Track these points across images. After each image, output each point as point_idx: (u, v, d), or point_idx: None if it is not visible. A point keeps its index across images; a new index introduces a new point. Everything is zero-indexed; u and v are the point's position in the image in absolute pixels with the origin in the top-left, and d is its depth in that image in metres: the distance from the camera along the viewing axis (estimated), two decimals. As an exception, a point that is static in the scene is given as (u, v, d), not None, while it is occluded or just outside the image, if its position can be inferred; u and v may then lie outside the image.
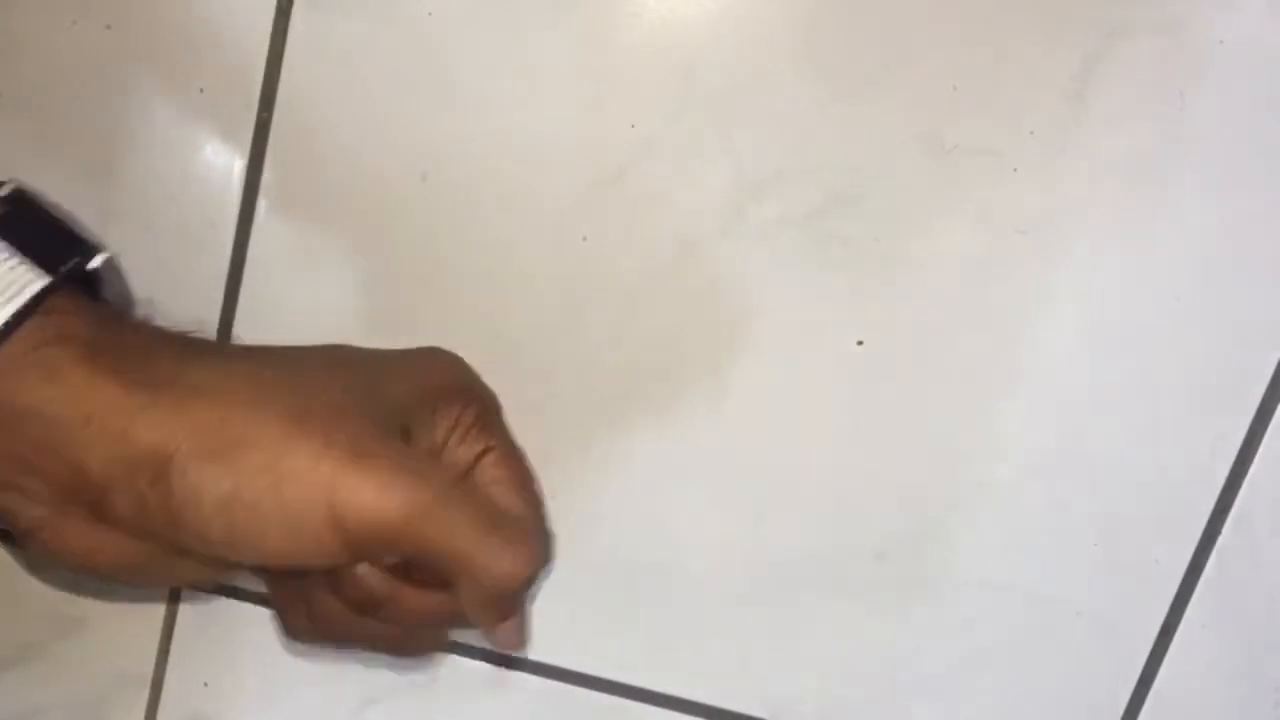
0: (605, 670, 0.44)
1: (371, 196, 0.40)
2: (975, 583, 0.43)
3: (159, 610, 0.44)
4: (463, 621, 0.32)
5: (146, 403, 0.28)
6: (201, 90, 0.39)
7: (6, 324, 0.28)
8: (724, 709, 0.44)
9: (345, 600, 0.32)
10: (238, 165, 0.39)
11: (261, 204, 0.40)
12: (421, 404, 0.33)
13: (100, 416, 0.28)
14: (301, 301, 0.40)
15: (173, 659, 0.44)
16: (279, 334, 0.40)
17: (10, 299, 0.28)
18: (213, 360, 0.30)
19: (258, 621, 0.44)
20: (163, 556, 0.30)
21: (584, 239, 0.40)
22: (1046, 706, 0.45)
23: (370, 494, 0.29)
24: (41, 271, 0.29)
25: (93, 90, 0.39)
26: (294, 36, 0.38)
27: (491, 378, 0.41)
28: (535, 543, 0.32)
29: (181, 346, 0.31)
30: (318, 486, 0.29)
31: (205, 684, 0.44)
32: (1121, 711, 0.44)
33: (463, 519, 0.30)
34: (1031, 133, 0.39)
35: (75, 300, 0.30)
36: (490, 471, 0.34)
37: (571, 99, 0.39)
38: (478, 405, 0.35)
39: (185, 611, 0.44)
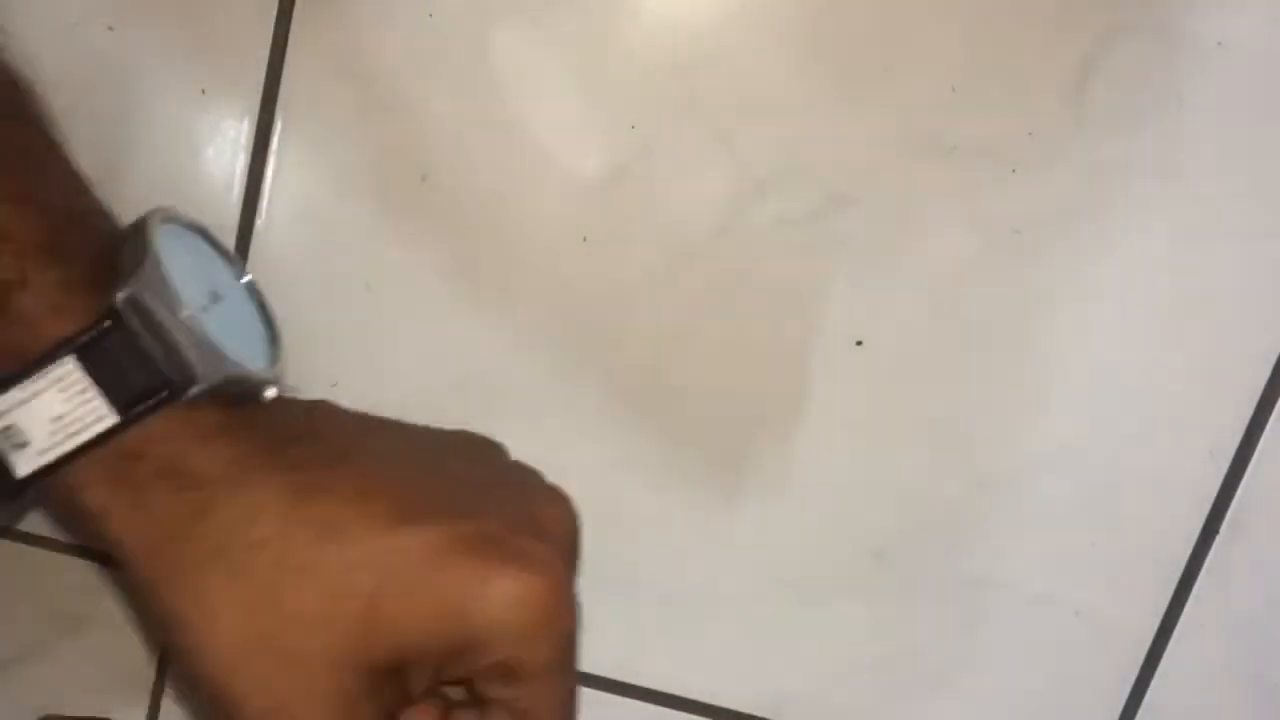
0: (605, 670, 0.44)
1: (372, 197, 0.40)
2: (975, 583, 0.43)
3: (160, 610, 0.44)
4: None
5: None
6: (203, 91, 0.39)
7: (61, 458, 0.27)
8: (724, 709, 0.44)
9: None
10: (239, 166, 0.39)
11: (263, 205, 0.40)
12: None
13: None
14: (303, 303, 0.40)
15: (174, 658, 0.44)
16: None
17: (73, 435, 0.27)
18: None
19: (258, 621, 0.44)
20: None
21: (584, 239, 0.40)
22: (1046, 706, 0.45)
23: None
24: (109, 410, 0.27)
25: (94, 91, 0.39)
26: (295, 38, 0.38)
27: (491, 378, 0.41)
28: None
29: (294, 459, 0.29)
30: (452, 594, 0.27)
31: (206, 684, 0.44)
32: (1120, 711, 0.44)
33: None
34: (1030, 133, 0.39)
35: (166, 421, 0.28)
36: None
37: (571, 99, 0.39)
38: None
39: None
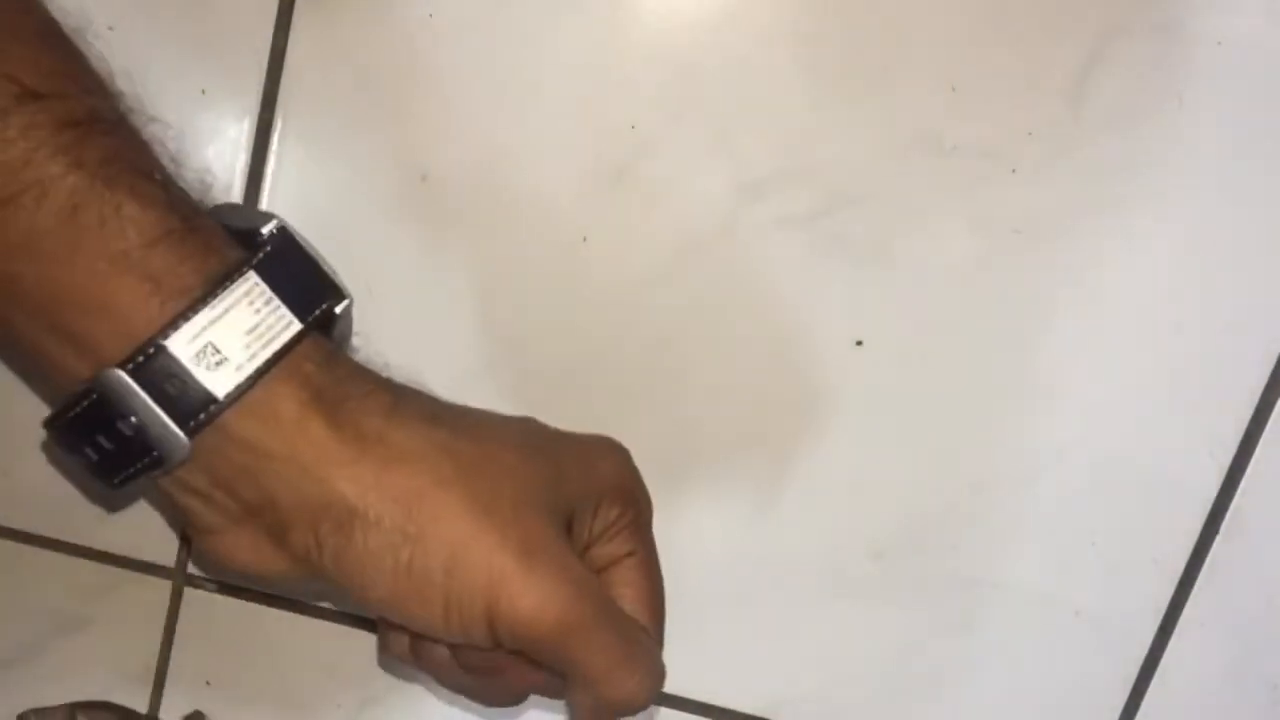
0: (605, 670, 0.44)
1: (372, 197, 0.40)
2: (975, 583, 0.43)
3: (161, 609, 0.44)
4: (557, 696, 0.34)
5: (350, 458, 0.30)
6: (204, 91, 0.39)
7: (259, 369, 0.29)
8: (724, 708, 0.44)
9: (456, 655, 0.33)
10: (240, 166, 0.39)
11: (263, 205, 0.40)
12: (588, 498, 0.34)
13: (306, 459, 0.30)
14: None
15: (175, 658, 0.44)
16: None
17: (267, 343, 0.29)
18: (416, 425, 0.31)
19: (260, 621, 0.44)
20: (313, 583, 0.32)
21: (584, 239, 0.40)
22: (1046, 706, 0.45)
23: (530, 603, 0.30)
24: (293, 317, 0.30)
25: (94, 91, 0.39)
26: (295, 38, 0.38)
27: (491, 378, 0.41)
28: (658, 669, 0.34)
29: (392, 401, 0.31)
30: (484, 583, 0.30)
31: (207, 683, 0.44)
32: (1120, 711, 0.45)
33: (607, 642, 0.31)
34: (1030, 133, 0.39)
35: (312, 343, 0.31)
36: (627, 574, 0.35)
37: (571, 99, 0.39)
38: (634, 509, 0.35)
39: (187, 610, 0.44)
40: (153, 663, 0.44)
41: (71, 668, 0.44)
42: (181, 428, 0.29)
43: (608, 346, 0.41)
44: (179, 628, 0.44)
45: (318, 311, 0.31)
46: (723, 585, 0.43)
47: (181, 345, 0.28)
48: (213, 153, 0.39)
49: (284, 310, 0.30)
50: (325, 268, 0.32)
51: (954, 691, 0.44)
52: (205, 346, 0.29)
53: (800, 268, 0.40)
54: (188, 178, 0.32)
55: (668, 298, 0.41)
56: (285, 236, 0.31)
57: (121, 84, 0.32)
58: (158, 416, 0.29)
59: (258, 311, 0.29)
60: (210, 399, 0.29)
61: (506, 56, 0.39)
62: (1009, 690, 0.44)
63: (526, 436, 0.34)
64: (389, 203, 0.40)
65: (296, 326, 0.30)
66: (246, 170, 0.39)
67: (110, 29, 0.38)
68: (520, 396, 0.41)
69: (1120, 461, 0.42)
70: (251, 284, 0.29)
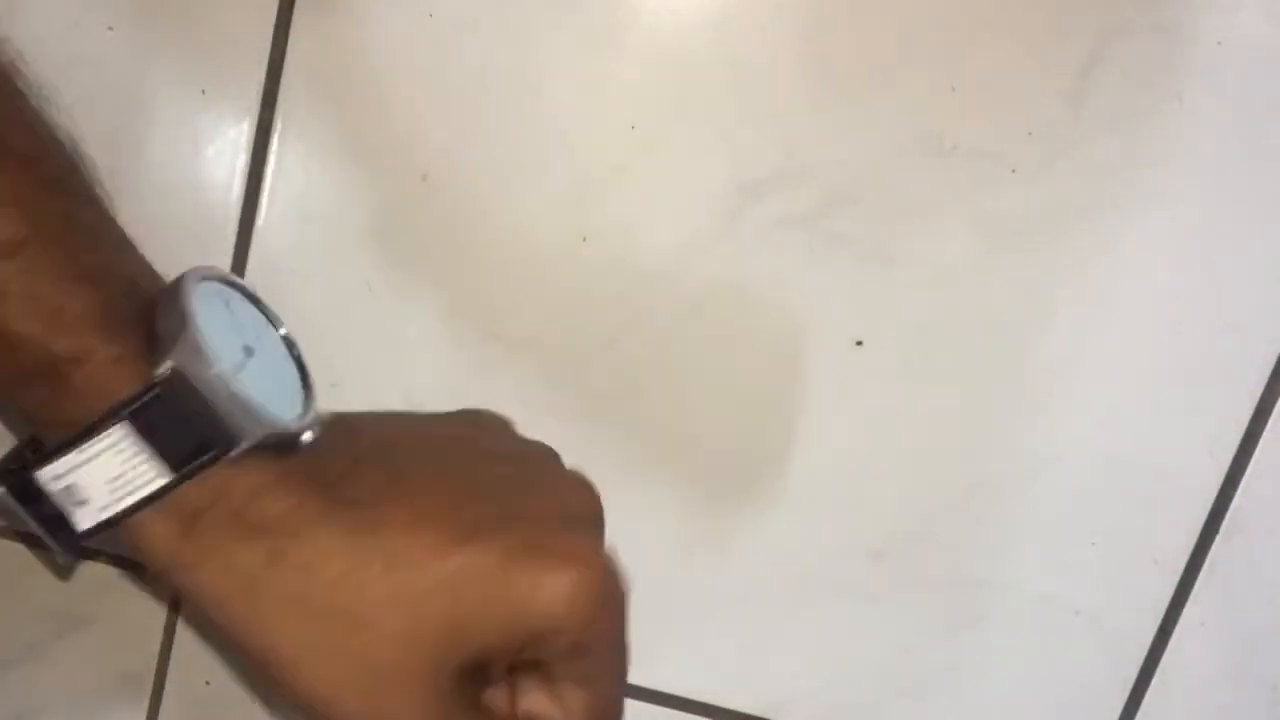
0: (605, 670, 0.44)
1: (372, 196, 0.40)
2: (975, 583, 0.43)
3: (161, 610, 0.44)
4: None
5: (224, 596, 0.30)
6: (203, 91, 0.39)
7: (118, 514, 0.30)
8: (724, 709, 0.44)
9: None
10: (240, 165, 0.39)
11: (263, 204, 0.40)
12: (512, 633, 0.32)
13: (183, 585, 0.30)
14: (303, 302, 0.40)
15: (174, 659, 0.44)
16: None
17: (130, 493, 0.30)
18: (298, 574, 0.30)
19: (258, 621, 0.44)
20: None
21: (584, 239, 0.40)
22: (1046, 706, 0.45)
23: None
24: (162, 469, 0.30)
25: (94, 92, 0.39)
26: (295, 37, 0.38)
27: (491, 378, 0.41)
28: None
29: (301, 522, 0.31)
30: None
31: (207, 683, 0.44)
32: (1120, 711, 0.45)
33: None
34: (1030, 134, 0.39)
35: (230, 471, 0.30)
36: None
37: (571, 99, 0.39)
38: (584, 657, 0.33)
39: (187, 610, 0.44)
40: (153, 663, 0.44)
41: (71, 668, 0.44)
42: (58, 542, 0.30)
43: (607, 346, 0.41)
44: (178, 628, 0.44)
45: (200, 460, 0.30)
46: (722, 585, 0.43)
47: (48, 480, 0.29)
48: (212, 153, 0.39)
49: (151, 463, 0.30)
50: (229, 408, 0.30)
51: (954, 691, 0.44)
52: (68, 486, 0.29)
53: (800, 268, 0.40)
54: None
55: (668, 298, 0.41)
56: (178, 380, 0.30)
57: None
58: (40, 528, 0.30)
59: (124, 462, 0.29)
60: (74, 528, 0.30)
61: (506, 56, 0.39)
62: (1009, 690, 0.44)
63: (481, 474, 0.33)
64: (389, 203, 0.40)
65: (162, 481, 0.30)
66: (246, 170, 0.39)
67: (110, 29, 0.38)
68: (520, 397, 0.41)
69: (1120, 461, 0.42)
70: (120, 436, 0.29)
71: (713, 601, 0.43)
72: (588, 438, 0.42)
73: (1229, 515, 0.43)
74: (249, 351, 0.32)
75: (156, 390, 0.29)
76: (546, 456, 0.37)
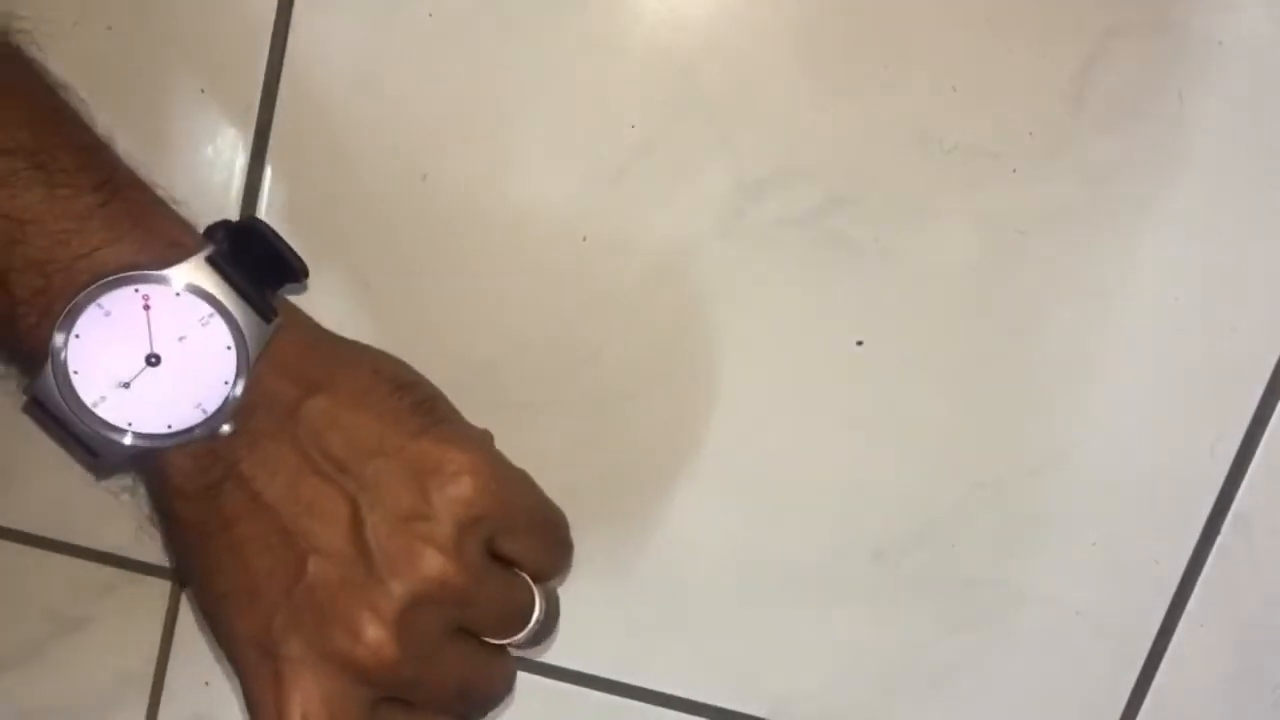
0: (605, 670, 0.44)
1: (372, 196, 0.40)
2: (975, 583, 0.43)
3: (160, 609, 0.44)
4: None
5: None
6: (202, 91, 0.39)
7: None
8: (724, 709, 0.44)
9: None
10: (239, 165, 0.39)
11: (263, 204, 0.40)
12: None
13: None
14: (302, 301, 0.40)
15: (174, 658, 0.44)
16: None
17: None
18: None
19: (258, 621, 0.44)
20: None
21: (584, 239, 0.40)
22: (1046, 706, 0.45)
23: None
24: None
25: (93, 91, 0.38)
26: (295, 37, 0.38)
27: (491, 377, 0.41)
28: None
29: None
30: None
31: (207, 683, 0.44)
32: (1120, 711, 0.44)
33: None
34: (1030, 133, 0.39)
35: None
36: None
37: (571, 99, 0.39)
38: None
39: (186, 611, 0.44)
40: (152, 663, 0.44)
41: (71, 668, 0.44)
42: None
43: (607, 346, 0.41)
44: (178, 627, 0.44)
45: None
46: (723, 585, 0.43)
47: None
48: (212, 152, 0.39)
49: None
50: (90, 430, 0.32)
51: (954, 691, 0.44)
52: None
53: (800, 268, 0.40)
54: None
55: (668, 298, 0.41)
56: (38, 406, 0.32)
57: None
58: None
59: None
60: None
61: (506, 56, 0.39)
62: (1009, 690, 0.44)
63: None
64: (389, 203, 0.40)
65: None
66: (245, 170, 0.39)
67: (109, 29, 0.38)
68: (519, 396, 0.41)
69: (1121, 461, 0.42)
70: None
71: (714, 602, 0.43)
72: (586, 437, 0.42)
73: (1230, 515, 0.42)
74: (152, 360, 0.32)
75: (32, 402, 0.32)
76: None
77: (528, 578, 0.35)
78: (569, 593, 0.42)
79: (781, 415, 0.42)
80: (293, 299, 0.38)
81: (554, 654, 0.44)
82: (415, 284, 0.40)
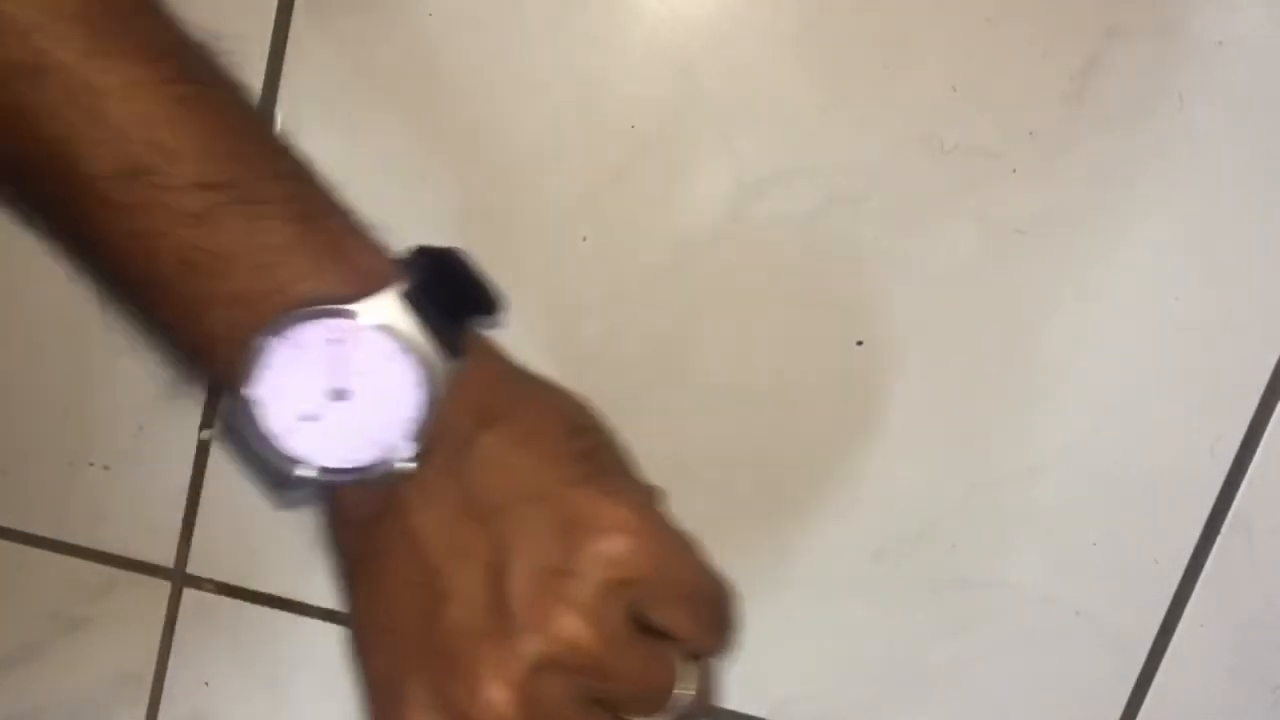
0: (605, 670, 0.44)
1: (372, 197, 0.40)
2: (975, 583, 0.43)
3: (160, 610, 0.44)
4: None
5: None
6: (202, 90, 0.39)
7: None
8: (724, 709, 0.44)
9: None
10: (239, 165, 0.39)
11: (262, 204, 0.40)
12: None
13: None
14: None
15: (174, 658, 0.44)
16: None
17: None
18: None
19: (259, 621, 0.44)
20: None
21: (584, 239, 0.40)
22: (1046, 706, 0.45)
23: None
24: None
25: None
26: (295, 37, 0.38)
27: (492, 378, 0.41)
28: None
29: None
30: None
31: (206, 683, 0.44)
32: (1121, 711, 0.44)
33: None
34: (1031, 133, 0.39)
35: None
36: None
37: (571, 99, 0.39)
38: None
39: (186, 611, 0.44)
40: (152, 663, 0.44)
41: (71, 668, 0.44)
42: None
43: (607, 346, 0.41)
44: (178, 628, 0.44)
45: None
46: (723, 585, 0.43)
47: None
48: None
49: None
50: (279, 456, 0.31)
51: (954, 691, 0.44)
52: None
53: (800, 267, 0.40)
54: None
55: (668, 297, 0.41)
56: (229, 428, 0.34)
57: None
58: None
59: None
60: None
61: (506, 56, 0.39)
62: (1009, 690, 0.44)
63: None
64: (389, 203, 0.40)
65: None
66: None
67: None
68: (520, 396, 0.41)
69: (1122, 461, 0.42)
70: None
71: (713, 601, 0.43)
72: (588, 438, 0.42)
73: (1230, 515, 0.42)
74: (339, 395, 0.31)
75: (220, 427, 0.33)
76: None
77: (680, 654, 0.33)
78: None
79: (781, 415, 0.42)
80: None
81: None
82: (415, 284, 0.40)
